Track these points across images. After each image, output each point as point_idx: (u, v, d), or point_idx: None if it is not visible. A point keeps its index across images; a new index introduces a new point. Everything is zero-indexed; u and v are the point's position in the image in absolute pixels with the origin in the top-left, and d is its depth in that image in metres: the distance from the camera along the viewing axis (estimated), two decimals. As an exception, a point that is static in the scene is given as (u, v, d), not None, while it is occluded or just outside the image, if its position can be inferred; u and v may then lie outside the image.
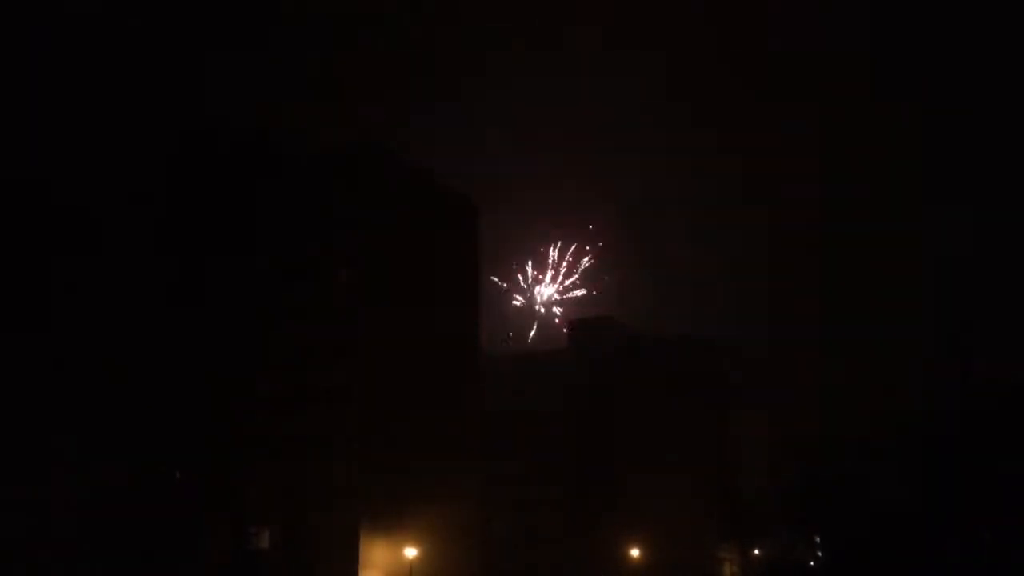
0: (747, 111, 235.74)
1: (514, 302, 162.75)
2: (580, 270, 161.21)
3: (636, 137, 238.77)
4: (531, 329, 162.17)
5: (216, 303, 73.68)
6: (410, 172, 76.57)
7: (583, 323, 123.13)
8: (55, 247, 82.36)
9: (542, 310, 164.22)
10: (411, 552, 61.53)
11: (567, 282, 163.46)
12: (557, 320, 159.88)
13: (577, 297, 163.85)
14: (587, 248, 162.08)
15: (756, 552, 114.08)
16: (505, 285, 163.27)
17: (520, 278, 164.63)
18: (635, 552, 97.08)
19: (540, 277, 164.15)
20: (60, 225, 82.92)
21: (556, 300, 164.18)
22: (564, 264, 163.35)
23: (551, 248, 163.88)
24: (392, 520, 65.21)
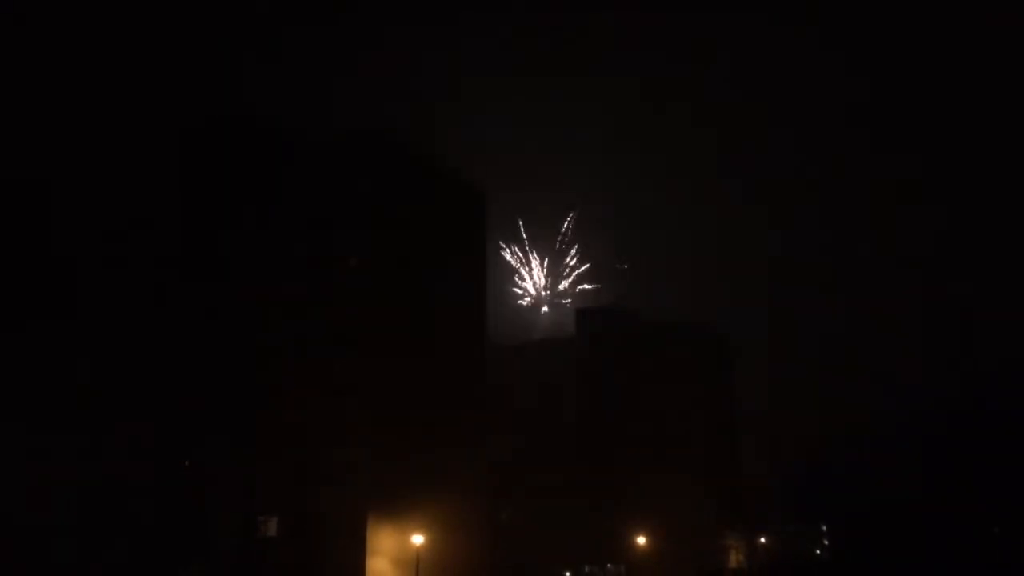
0: (749, 107, 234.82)
1: (521, 302, 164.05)
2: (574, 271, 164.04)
3: (639, 133, 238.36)
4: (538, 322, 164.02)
5: (225, 292, 73.91)
6: (419, 160, 76.52)
7: (590, 311, 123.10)
8: (70, 237, 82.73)
9: (545, 309, 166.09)
10: (418, 539, 61.90)
11: (571, 274, 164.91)
12: (568, 302, 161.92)
13: (586, 290, 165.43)
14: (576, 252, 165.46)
15: (762, 541, 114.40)
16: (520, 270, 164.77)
17: (525, 272, 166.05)
18: (642, 540, 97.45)
19: (536, 274, 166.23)
20: (76, 215, 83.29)
21: (560, 293, 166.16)
22: (568, 261, 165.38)
23: (558, 241, 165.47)
24: (399, 508, 65.55)
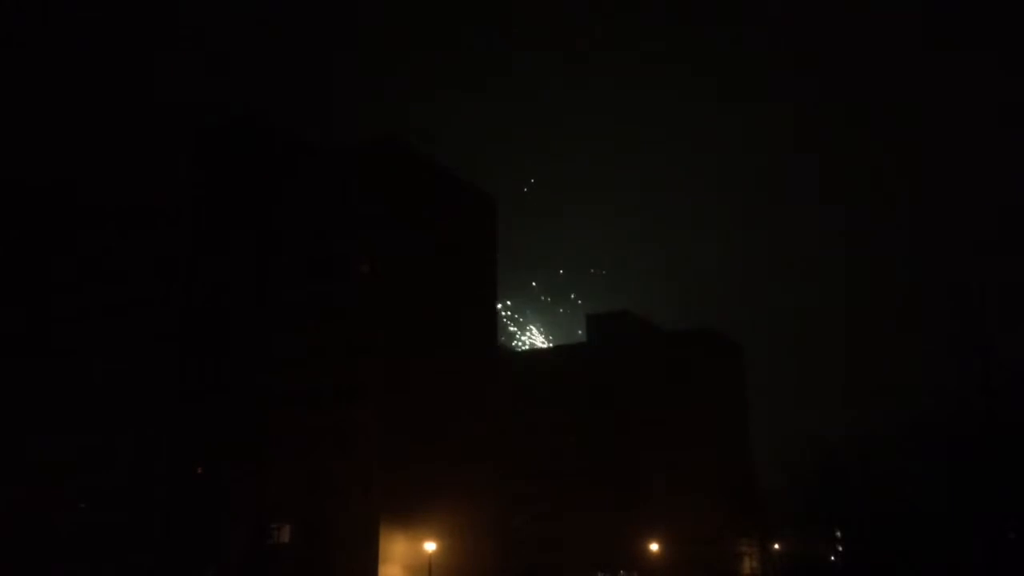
0: (758, 108, 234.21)
1: None
2: None
3: (655, 136, 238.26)
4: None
5: (237, 298, 74.03)
6: (430, 167, 76.60)
7: (601, 317, 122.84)
8: (76, 246, 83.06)
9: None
10: (430, 547, 61.74)
11: None
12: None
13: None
14: None
15: (776, 547, 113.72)
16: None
17: None
18: (655, 547, 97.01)
19: None
20: (82, 224, 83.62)
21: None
22: None
23: None
24: (412, 515, 65.43)
